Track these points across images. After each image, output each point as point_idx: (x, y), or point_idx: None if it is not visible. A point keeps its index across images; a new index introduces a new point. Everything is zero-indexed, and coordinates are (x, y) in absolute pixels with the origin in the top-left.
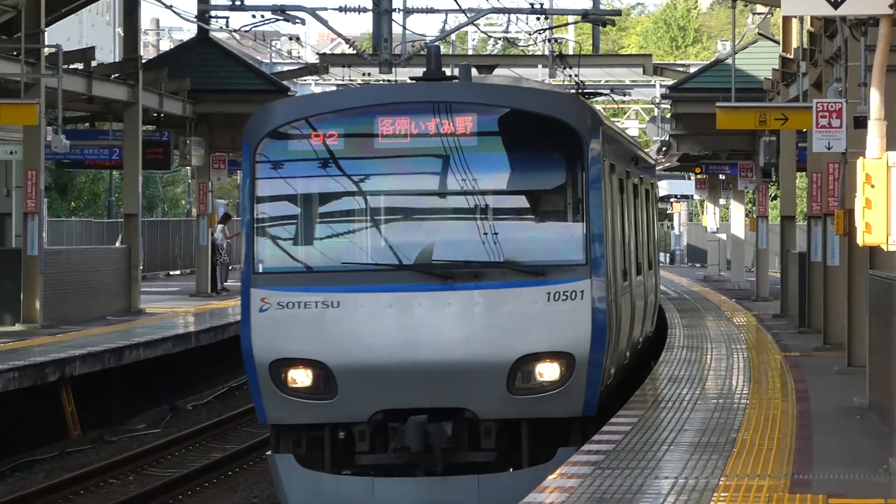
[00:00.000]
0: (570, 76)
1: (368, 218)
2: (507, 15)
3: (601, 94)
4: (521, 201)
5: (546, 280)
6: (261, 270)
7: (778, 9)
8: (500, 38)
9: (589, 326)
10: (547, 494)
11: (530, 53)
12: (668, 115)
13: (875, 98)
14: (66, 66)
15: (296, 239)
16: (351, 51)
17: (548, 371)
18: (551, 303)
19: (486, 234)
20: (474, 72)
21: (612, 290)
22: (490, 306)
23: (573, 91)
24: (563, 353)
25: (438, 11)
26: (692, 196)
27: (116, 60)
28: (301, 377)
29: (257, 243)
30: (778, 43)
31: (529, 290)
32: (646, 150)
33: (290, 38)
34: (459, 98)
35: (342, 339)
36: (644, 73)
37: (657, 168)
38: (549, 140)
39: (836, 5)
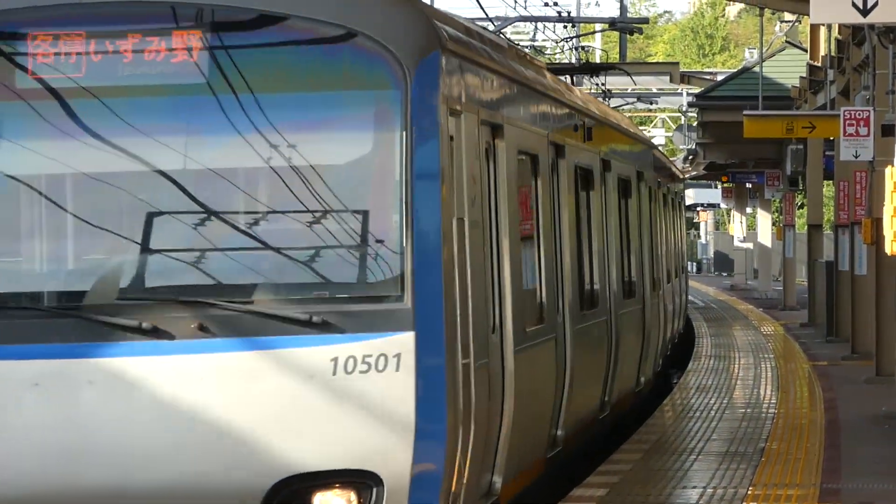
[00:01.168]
0: (597, 84)
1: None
2: (534, 23)
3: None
4: (287, 189)
5: (332, 334)
6: None
7: (806, 17)
8: (526, 47)
9: (411, 420)
10: None
11: (557, 62)
12: (695, 124)
13: None
14: None
15: None
16: None
17: None
18: (341, 377)
19: (221, 249)
20: None
21: (474, 346)
22: (225, 385)
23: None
24: (360, 473)
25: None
26: (719, 205)
27: None
28: None
29: None
30: (805, 51)
31: (300, 353)
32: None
33: None
34: None
35: None
36: (671, 81)
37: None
38: (336, 73)
39: (864, 13)
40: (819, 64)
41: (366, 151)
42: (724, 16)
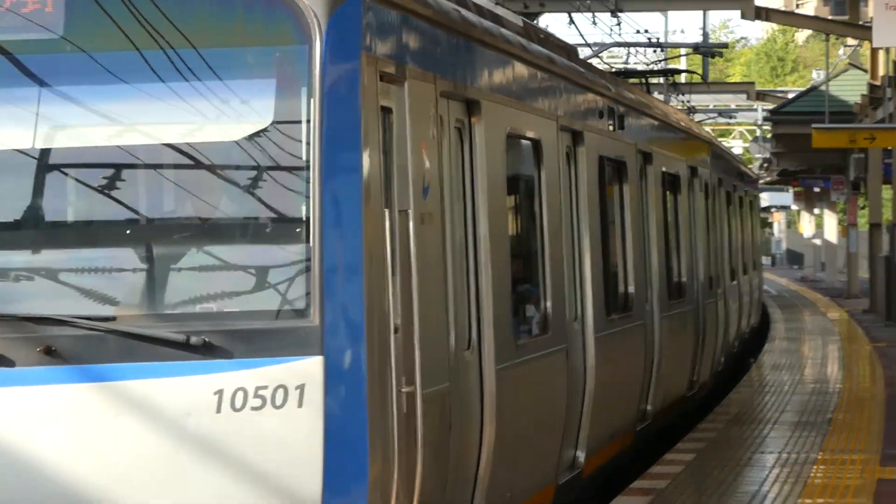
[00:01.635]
0: (683, 101)
1: None
2: (627, 48)
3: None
4: (160, 174)
5: (216, 360)
6: None
7: (867, 41)
8: (620, 70)
9: (317, 471)
10: (665, 466)
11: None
12: (769, 136)
13: None
14: None
15: None
16: None
17: None
18: (227, 415)
19: (72, 250)
20: None
21: (430, 369)
22: (77, 426)
23: None
24: None
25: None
26: (790, 206)
27: None
28: None
29: None
30: (866, 71)
31: (174, 385)
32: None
33: None
34: None
35: None
36: (748, 98)
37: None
38: (225, 25)
39: None
40: (878, 83)
41: (263, 125)
42: (793, 41)
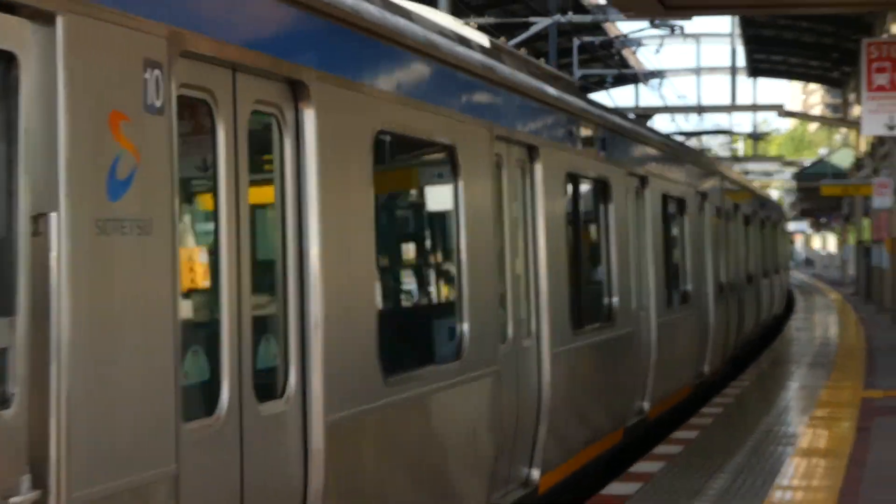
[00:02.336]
0: (742, 167)
1: None
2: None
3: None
4: None
5: None
6: None
7: (856, 130)
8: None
9: None
10: (726, 396)
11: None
12: (795, 189)
13: None
14: None
15: None
16: None
17: None
18: None
19: None
20: None
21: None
22: None
23: None
24: None
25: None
26: (806, 230)
27: None
28: None
29: None
30: (854, 149)
31: None
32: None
33: None
34: None
35: None
36: (781, 165)
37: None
38: None
39: (891, 129)
40: (861, 157)
41: None
42: (807, 130)
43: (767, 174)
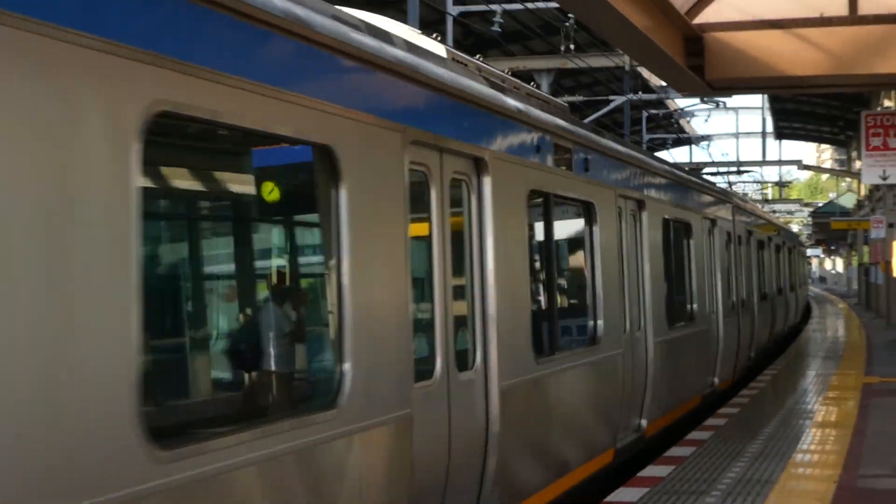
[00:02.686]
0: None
1: None
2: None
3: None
4: None
5: None
6: None
7: (857, 179)
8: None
9: None
10: (760, 381)
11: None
12: (812, 223)
13: None
14: None
15: None
16: None
17: None
18: None
19: None
20: None
21: None
22: None
23: None
24: None
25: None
26: (820, 255)
27: None
28: None
29: None
30: (855, 193)
31: None
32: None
33: None
34: None
35: None
36: (800, 205)
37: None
38: None
39: (884, 178)
40: (862, 199)
41: None
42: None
43: (790, 213)
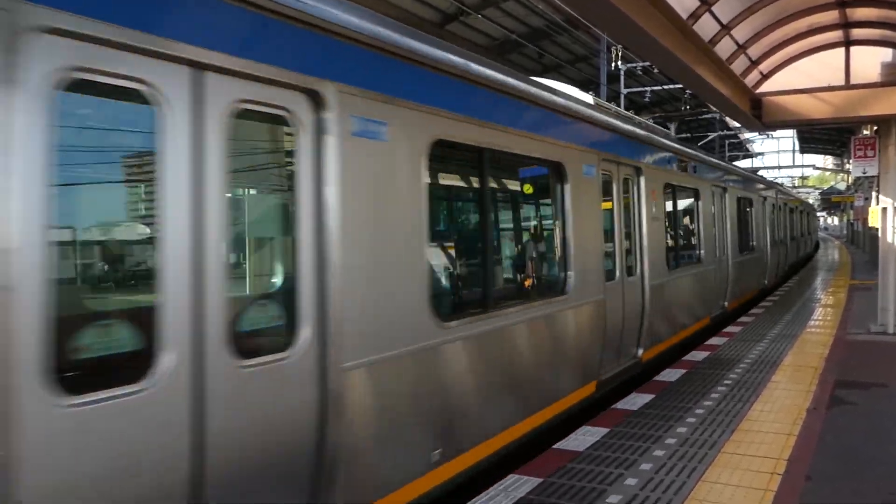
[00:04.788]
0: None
1: None
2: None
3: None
4: None
5: None
6: None
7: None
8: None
9: None
10: (776, 295)
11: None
12: (821, 198)
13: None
14: None
15: None
16: None
17: None
18: None
19: None
20: None
21: None
22: None
23: None
24: None
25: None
26: (825, 216)
27: None
28: None
29: None
30: (847, 181)
31: None
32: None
33: None
34: None
35: None
36: (813, 188)
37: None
38: None
39: (864, 173)
40: (851, 185)
41: None
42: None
43: (808, 193)
